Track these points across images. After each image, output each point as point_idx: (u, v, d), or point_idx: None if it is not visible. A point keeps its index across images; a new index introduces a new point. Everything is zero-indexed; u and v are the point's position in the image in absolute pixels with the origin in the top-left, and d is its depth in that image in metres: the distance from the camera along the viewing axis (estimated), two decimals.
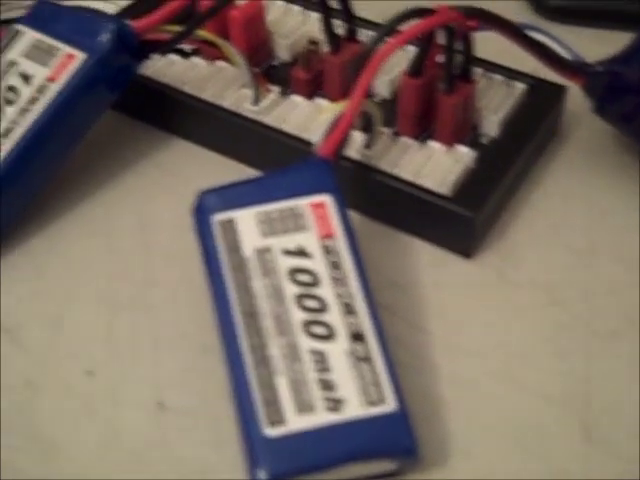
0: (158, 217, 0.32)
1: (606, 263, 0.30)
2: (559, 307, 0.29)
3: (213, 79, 0.35)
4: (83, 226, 0.32)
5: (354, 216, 0.31)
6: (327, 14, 0.33)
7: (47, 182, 0.32)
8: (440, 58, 0.32)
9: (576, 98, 0.33)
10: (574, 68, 0.32)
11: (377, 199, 0.31)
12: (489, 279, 0.30)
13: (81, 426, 0.26)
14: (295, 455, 0.23)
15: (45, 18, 0.32)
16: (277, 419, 0.23)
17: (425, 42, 0.31)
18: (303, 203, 0.27)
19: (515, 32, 0.31)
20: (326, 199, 0.27)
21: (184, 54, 0.36)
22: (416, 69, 0.32)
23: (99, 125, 0.33)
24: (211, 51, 0.34)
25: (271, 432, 0.23)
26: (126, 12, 0.37)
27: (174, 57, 0.36)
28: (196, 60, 0.35)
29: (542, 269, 0.30)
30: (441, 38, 0.31)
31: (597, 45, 0.33)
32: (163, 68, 0.35)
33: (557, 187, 0.33)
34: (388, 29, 0.30)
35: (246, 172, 0.33)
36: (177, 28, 0.32)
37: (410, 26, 0.30)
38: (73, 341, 0.28)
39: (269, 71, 0.36)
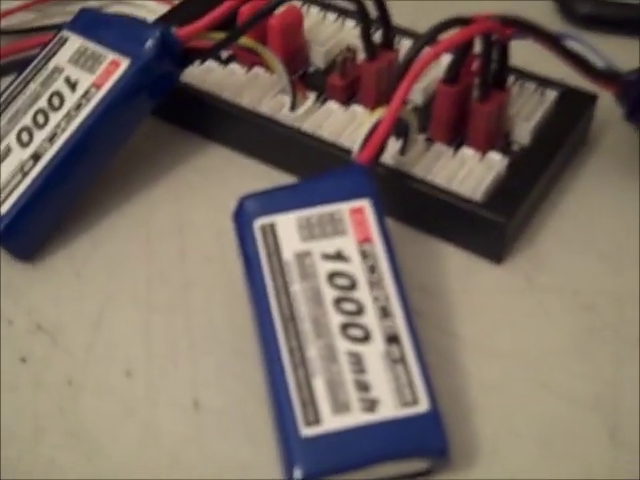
0: (196, 221, 0.33)
1: (635, 270, 0.31)
2: (588, 312, 0.30)
3: (251, 86, 0.35)
4: (123, 230, 0.33)
5: (387, 221, 0.32)
6: (366, 21, 0.33)
7: (89, 186, 0.33)
8: (475, 66, 0.32)
9: (606, 106, 0.34)
10: (607, 76, 0.32)
11: (410, 205, 0.32)
12: (519, 284, 0.31)
13: (121, 425, 0.27)
14: (330, 454, 0.23)
15: (90, 25, 0.33)
16: (313, 419, 0.24)
17: (462, 50, 0.32)
18: (342, 208, 0.27)
19: (551, 40, 0.32)
20: (365, 204, 0.27)
21: (222, 61, 0.36)
22: (452, 76, 0.32)
23: (140, 130, 0.34)
24: (249, 57, 0.35)
25: (307, 432, 0.24)
26: (165, 19, 0.38)
27: (212, 64, 0.36)
28: (234, 67, 0.36)
29: (571, 275, 0.31)
30: (476, 46, 0.31)
31: (625, 53, 0.34)
32: (202, 75, 0.36)
33: (586, 194, 0.34)
34: (428, 38, 0.30)
35: (283, 178, 0.34)
36: (220, 35, 0.33)
37: (449, 35, 0.30)
38: (112, 342, 0.29)
39: (305, 78, 0.36)
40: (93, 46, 0.32)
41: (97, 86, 0.31)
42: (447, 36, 0.30)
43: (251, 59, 0.35)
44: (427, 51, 0.30)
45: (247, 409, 0.27)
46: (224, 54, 0.37)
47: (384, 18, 0.33)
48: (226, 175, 0.34)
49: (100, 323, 0.30)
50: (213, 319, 0.30)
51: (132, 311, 0.30)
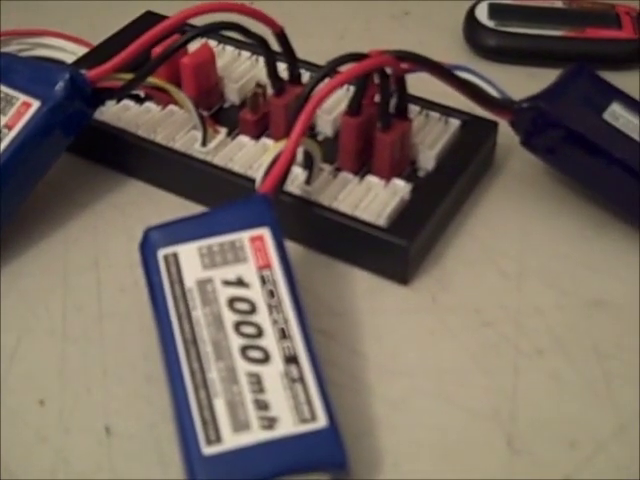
0: (112, 254, 0.34)
1: (534, 287, 0.32)
2: (489, 328, 0.31)
3: (165, 123, 0.37)
4: (40, 263, 0.34)
5: (296, 248, 0.33)
6: (270, 57, 0.35)
7: (7, 222, 0.33)
8: (377, 98, 0.34)
9: (510, 132, 0.35)
10: (501, 105, 0.34)
11: (317, 231, 0.33)
12: (424, 304, 0.32)
13: (33, 452, 0.28)
14: (231, 471, 0.24)
15: (3, 69, 0.34)
16: (214, 438, 0.25)
17: (361, 83, 0.33)
18: (243, 236, 0.28)
19: (444, 73, 0.33)
20: (264, 232, 0.29)
21: (138, 99, 0.38)
22: (354, 108, 0.34)
23: (56, 167, 0.35)
24: (162, 96, 0.36)
25: (208, 450, 0.25)
26: (83, 60, 0.39)
27: (128, 102, 0.38)
28: (149, 105, 0.37)
29: (474, 293, 0.32)
30: (378, 79, 0.33)
31: (531, 82, 0.35)
32: (118, 112, 0.37)
33: (491, 216, 0.35)
34: (325, 72, 0.32)
35: (197, 209, 0.35)
36: (129, 76, 0.34)
37: (345, 69, 0.32)
38: (27, 372, 0.30)
39: (220, 113, 0.38)
40: (5, 89, 0.33)
41: (9, 127, 0.32)
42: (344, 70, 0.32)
43: (165, 98, 0.36)
44: (324, 85, 0.31)
45: (157, 433, 0.28)
46: (141, 93, 0.38)
47: (288, 54, 0.35)
48: (142, 208, 0.36)
49: (15, 354, 0.30)
50: (126, 347, 0.30)
51: (48, 342, 0.31)
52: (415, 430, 0.28)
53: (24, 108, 0.32)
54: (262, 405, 0.25)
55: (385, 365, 0.30)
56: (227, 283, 0.27)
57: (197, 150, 0.35)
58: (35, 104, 0.32)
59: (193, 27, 0.37)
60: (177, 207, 0.35)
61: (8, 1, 0.48)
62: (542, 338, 0.31)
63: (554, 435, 0.28)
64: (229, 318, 0.27)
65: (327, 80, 0.32)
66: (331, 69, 0.32)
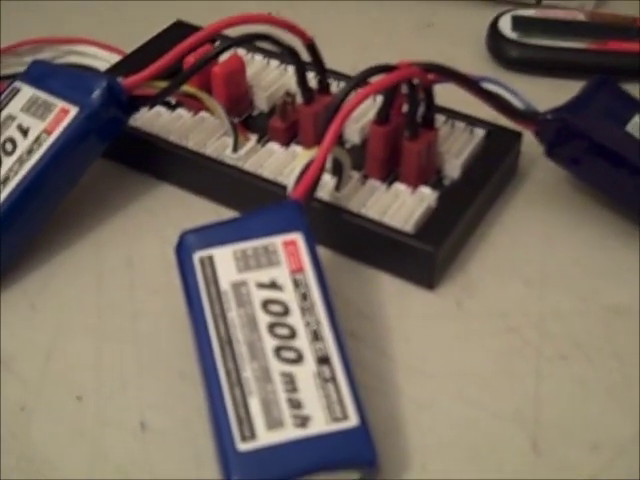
0: (144, 256, 0.35)
1: (557, 293, 0.33)
2: (512, 334, 0.32)
3: (196, 129, 0.37)
4: (74, 265, 0.35)
5: (326, 253, 0.34)
6: (301, 67, 0.36)
7: (42, 225, 0.34)
8: (405, 108, 0.35)
9: (534, 142, 0.36)
10: (525, 116, 0.35)
11: (346, 237, 0.34)
12: (449, 309, 0.33)
13: (71, 447, 0.29)
14: (265, 467, 0.25)
15: (42, 76, 0.35)
16: (249, 435, 0.26)
17: (390, 93, 0.34)
18: (276, 241, 0.29)
19: (470, 84, 0.34)
20: (297, 237, 0.29)
21: (170, 106, 0.39)
22: (382, 117, 0.35)
23: (91, 172, 0.36)
24: (194, 103, 0.37)
25: (243, 446, 0.25)
26: (116, 68, 0.40)
27: (161, 109, 0.39)
28: (181, 111, 0.38)
29: (498, 299, 0.33)
30: (406, 89, 0.34)
31: (554, 94, 0.36)
32: (151, 119, 0.38)
33: (514, 224, 0.36)
34: (355, 83, 0.33)
35: (228, 214, 0.36)
36: (164, 84, 0.35)
37: (375, 80, 0.33)
38: (64, 369, 0.31)
39: (249, 121, 0.39)
40: (44, 95, 0.34)
41: (48, 132, 0.33)
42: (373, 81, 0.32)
43: (196, 104, 0.37)
44: (354, 95, 0.32)
45: (191, 429, 0.29)
46: (173, 100, 0.39)
47: (317, 64, 0.36)
48: (174, 212, 0.36)
49: (52, 352, 0.31)
50: (160, 346, 0.31)
51: (83, 340, 0.32)
52: (442, 431, 0.29)
53: (62, 114, 0.33)
54: (295, 404, 0.26)
55: (412, 367, 0.31)
56: (261, 286, 0.28)
57: (228, 156, 0.36)
58: (73, 110, 0.33)
59: (224, 37, 0.38)
60: (208, 211, 0.36)
61: (39, 9, 0.49)
62: (564, 343, 0.31)
63: (576, 438, 0.29)
64: (263, 320, 0.28)
65: (357, 90, 0.32)
66: (361, 80, 0.33)
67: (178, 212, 0.36)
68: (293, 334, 0.27)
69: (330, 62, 0.38)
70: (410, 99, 0.34)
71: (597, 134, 0.34)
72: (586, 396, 0.30)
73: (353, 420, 0.26)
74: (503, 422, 0.29)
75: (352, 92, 0.32)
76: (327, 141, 0.31)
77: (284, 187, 0.34)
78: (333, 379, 0.27)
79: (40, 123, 0.34)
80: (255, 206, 0.31)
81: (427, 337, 0.32)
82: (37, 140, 0.33)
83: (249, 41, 0.36)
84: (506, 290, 0.33)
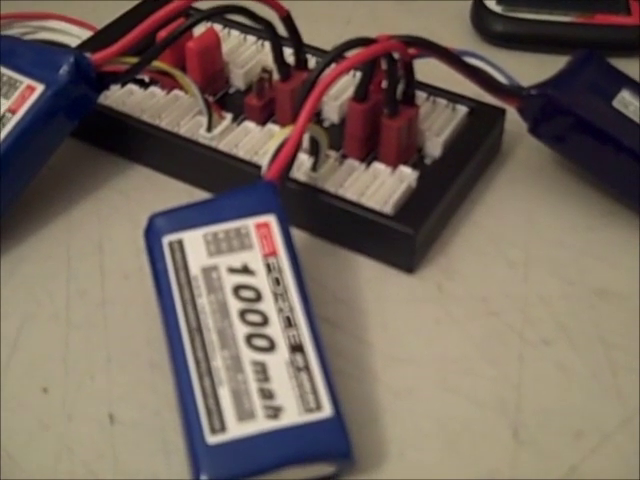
0: (115, 240, 0.34)
1: (540, 276, 0.32)
2: (494, 317, 0.31)
3: (170, 108, 0.36)
4: (43, 249, 0.33)
5: (302, 235, 0.33)
6: (277, 42, 0.34)
7: (9, 208, 0.33)
8: (384, 84, 0.33)
9: (518, 120, 0.35)
10: (509, 92, 0.34)
11: (323, 219, 0.33)
12: (429, 293, 0.32)
13: (36, 440, 0.28)
14: (235, 460, 0.24)
15: (7, 52, 0.33)
16: (219, 427, 0.25)
17: (368, 69, 0.33)
18: (248, 223, 0.28)
19: (452, 59, 0.33)
20: (270, 219, 0.28)
21: (143, 84, 0.37)
22: (361, 94, 0.33)
23: (60, 152, 0.34)
24: (168, 81, 0.36)
25: (213, 439, 0.24)
26: (87, 44, 0.39)
27: (133, 87, 0.37)
28: (154, 89, 0.37)
29: (480, 282, 0.32)
30: (385, 64, 0.33)
31: (539, 69, 0.35)
32: (122, 97, 0.37)
33: (497, 204, 0.35)
34: (332, 57, 0.32)
35: (202, 196, 0.35)
36: (134, 60, 0.34)
37: (352, 54, 0.31)
38: (30, 359, 0.30)
39: (225, 98, 0.37)
40: (9, 72, 0.33)
41: (12, 111, 0.32)
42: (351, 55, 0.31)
43: (170, 83, 0.36)
44: (330, 70, 0.31)
45: (161, 421, 0.28)
46: (146, 78, 0.38)
47: (294, 38, 0.35)
48: (146, 194, 0.35)
49: (18, 341, 0.30)
50: (130, 334, 0.30)
51: (51, 328, 0.31)
52: (420, 419, 0.28)
53: (28, 92, 0.32)
54: (267, 394, 0.25)
55: (390, 354, 0.30)
56: (232, 270, 0.27)
57: (202, 136, 0.35)
58: (39, 88, 0.32)
59: (198, 11, 0.37)
60: (181, 193, 0.35)
61: None
62: (548, 328, 0.31)
63: (559, 425, 0.28)
64: (234, 306, 0.27)
65: (334, 65, 0.31)
66: (338, 54, 0.32)
67: (151, 194, 0.35)
68: (265, 321, 0.26)
69: (310, 37, 0.36)
70: (390, 75, 0.33)
71: (582, 110, 0.33)
72: (570, 382, 0.29)
73: (327, 410, 0.25)
74: (484, 409, 0.28)
75: (330, 67, 0.31)
76: (302, 118, 0.30)
77: (260, 167, 0.33)
78: (307, 368, 0.26)
79: (4, 102, 0.32)
80: (230, 187, 0.30)
81: (406, 322, 0.31)
82: (1, 120, 0.32)
83: (223, 13, 0.35)
84: (489, 273, 0.32)
